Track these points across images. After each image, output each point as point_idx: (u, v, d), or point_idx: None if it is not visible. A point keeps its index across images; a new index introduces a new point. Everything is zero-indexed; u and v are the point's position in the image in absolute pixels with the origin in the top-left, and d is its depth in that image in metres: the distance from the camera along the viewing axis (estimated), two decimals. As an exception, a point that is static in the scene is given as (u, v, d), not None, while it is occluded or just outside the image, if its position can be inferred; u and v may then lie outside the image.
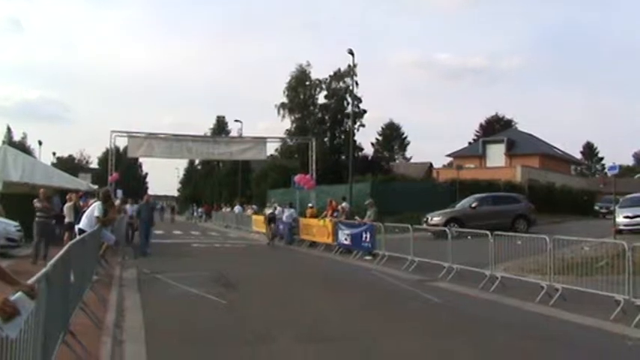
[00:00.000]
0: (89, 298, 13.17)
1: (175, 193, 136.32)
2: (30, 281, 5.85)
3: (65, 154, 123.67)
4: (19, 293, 5.06)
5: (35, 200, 22.56)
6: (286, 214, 38.57)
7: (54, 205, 24.88)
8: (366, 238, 27.67)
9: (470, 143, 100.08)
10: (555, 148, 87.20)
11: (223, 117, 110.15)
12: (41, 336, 6.39)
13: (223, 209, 75.01)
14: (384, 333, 12.64)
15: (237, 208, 64.17)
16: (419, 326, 13.54)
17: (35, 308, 5.79)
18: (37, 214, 22.13)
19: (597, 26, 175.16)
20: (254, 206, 61.48)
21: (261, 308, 15.62)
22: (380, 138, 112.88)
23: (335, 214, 34.06)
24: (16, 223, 23.90)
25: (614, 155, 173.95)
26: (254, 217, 52.16)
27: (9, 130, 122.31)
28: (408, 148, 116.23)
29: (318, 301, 16.79)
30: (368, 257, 27.32)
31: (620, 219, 32.01)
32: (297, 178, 46.16)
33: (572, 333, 12.81)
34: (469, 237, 22.22)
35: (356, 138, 72.72)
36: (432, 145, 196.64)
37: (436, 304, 16.33)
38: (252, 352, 10.73)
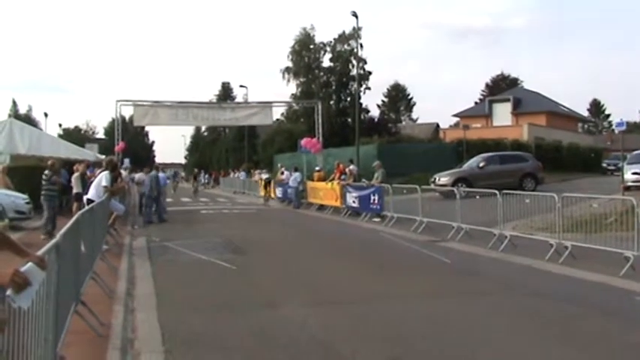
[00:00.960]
0: (100, 267, 13.20)
1: (182, 161, 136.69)
2: (40, 252, 5.86)
3: (71, 126, 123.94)
4: (29, 264, 5.05)
5: (46, 172, 21.49)
6: (292, 178, 38.72)
7: (62, 177, 24.81)
8: (374, 200, 27.70)
9: (476, 103, 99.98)
10: (562, 105, 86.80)
11: (228, 83, 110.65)
12: (53, 306, 6.41)
13: (231, 175, 74.92)
14: (394, 295, 12.68)
15: (241, 175, 64.18)
16: (429, 287, 13.57)
17: (46, 279, 5.80)
18: (46, 187, 21.19)
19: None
20: (258, 171, 61.60)
21: (271, 273, 15.69)
22: (386, 100, 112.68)
23: (342, 177, 34.05)
24: (25, 196, 23.94)
25: (622, 112, 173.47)
26: (262, 182, 52.32)
27: (14, 103, 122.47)
28: (415, 109, 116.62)
29: (327, 265, 16.82)
30: (376, 219, 27.38)
31: (629, 175, 31.95)
32: (303, 141, 46.10)
33: (582, 290, 12.84)
34: (477, 196, 22.20)
35: (362, 100, 72.71)
36: (439, 106, 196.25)
37: (446, 264, 16.36)
38: (262, 317, 10.76)
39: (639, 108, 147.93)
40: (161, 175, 32.93)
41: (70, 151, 34.22)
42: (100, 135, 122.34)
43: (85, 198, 18.87)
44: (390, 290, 13.18)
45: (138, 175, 31.97)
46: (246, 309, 11.53)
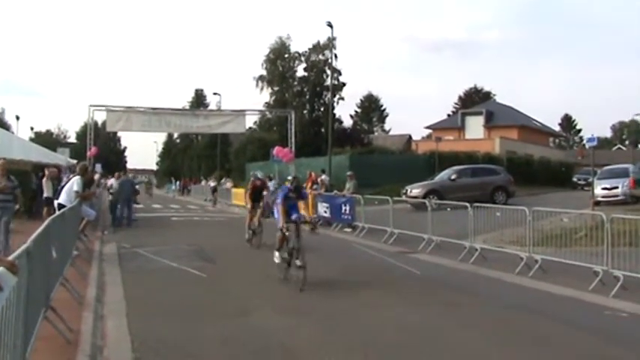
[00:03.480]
0: (70, 273, 13.09)
1: (154, 167, 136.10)
2: (11, 257, 5.82)
3: (43, 129, 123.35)
4: (0, 269, 5.02)
5: None
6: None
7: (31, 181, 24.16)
8: (345, 210, 27.68)
9: (449, 115, 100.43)
10: (534, 120, 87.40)
11: (202, 90, 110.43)
12: (23, 312, 6.37)
13: (203, 183, 74.76)
14: (364, 305, 12.68)
15: (211, 183, 64.12)
16: (399, 298, 13.59)
17: (17, 284, 5.76)
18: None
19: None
20: (224, 179, 62.11)
21: (241, 281, 15.66)
22: (359, 110, 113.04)
23: (314, 187, 34.02)
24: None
25: (593, 127, 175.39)
26: (234, 190, 52.18)
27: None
28: (387, 120, 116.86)
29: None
30: (348, 229, 27.38)
31: (599, 190, 32.36)
32: (275, 150, 46.13)
33: (552, 304, 12.91)
34: (448, 209, 22.31)
35: (335, 110, 72.84)
36: (411, 117, 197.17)
37: (416, 275, 16.40)
38: (232, 325, 10.75)
39: (610, 124, 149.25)
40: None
41: (41, 154, 33.95)
42: (72, 139, 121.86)
43: (55, 203, 18.66)
44: (361, 300, 13.19)
45: (110, 182, 31.87)
46: (215, 317, 11.50)
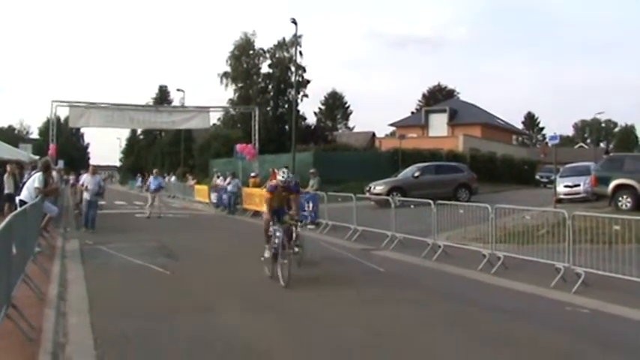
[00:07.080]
0: (32, 270, 12.97)
1: (117, 163, 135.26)
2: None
3: (4, 125, 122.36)
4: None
5: None
6: (233, 183, 38.42)
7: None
8: (309, 207, 27.66)
9: (413, 113, 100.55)
10: (497, 118, 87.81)
11: (165, 86, 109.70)
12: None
13: (166, 179, 74.45)
14: (327, 304, 12.67)
15: (172, 179, 63.83)
16: (365, 295, 13.57)
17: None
18: None
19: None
20: (191, 176, 61.61)
21: (205, 278, 15.62)
22: (323, 107, 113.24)
23: (277, 184, 33.89)
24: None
25: (555, 125, 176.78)
26: (197, 187, 51.91)
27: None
28: (351, 117, 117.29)
29: (261, 271, 16.70)
30: (311, 227, 27.32)
31: (561, 188, 32.63)
32: (238, 147, 46.05)
33: (514, 300, 13.00)
34: (412, 206, 22.33)
35: (299, 107, 72.83)
36: (375, 115, 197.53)
37: (380, 272, 16.42)
38: (196, 323, 10.69)
39: (572, 122, 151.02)
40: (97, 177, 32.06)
41: (2, 150, 33.57)
42: (35, 135, 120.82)
43: (17, 199, 18.53)
44: (325, 298, 13.18)
45: (85, 177, 30.64)
46: (179, 314, 11.44)
